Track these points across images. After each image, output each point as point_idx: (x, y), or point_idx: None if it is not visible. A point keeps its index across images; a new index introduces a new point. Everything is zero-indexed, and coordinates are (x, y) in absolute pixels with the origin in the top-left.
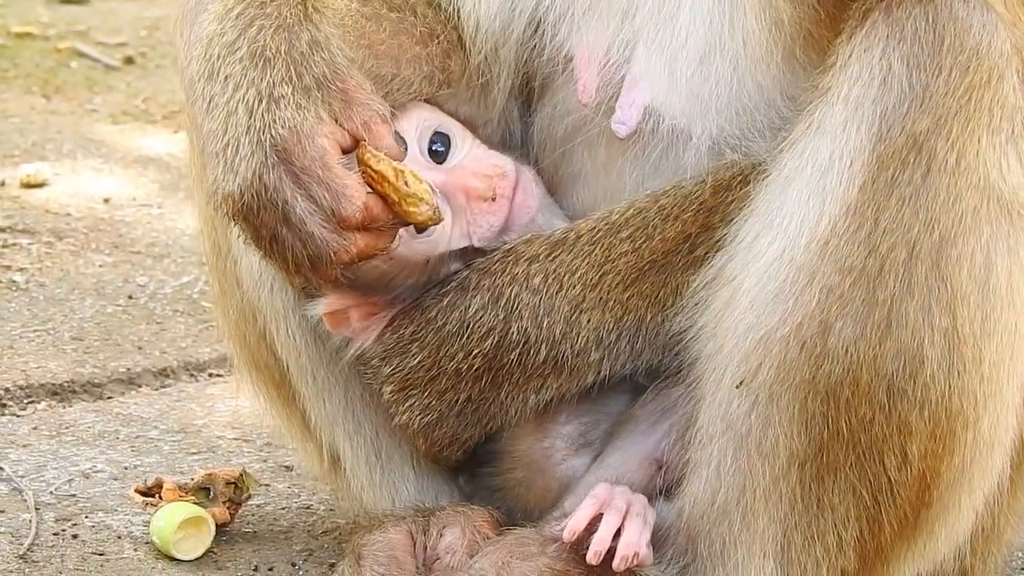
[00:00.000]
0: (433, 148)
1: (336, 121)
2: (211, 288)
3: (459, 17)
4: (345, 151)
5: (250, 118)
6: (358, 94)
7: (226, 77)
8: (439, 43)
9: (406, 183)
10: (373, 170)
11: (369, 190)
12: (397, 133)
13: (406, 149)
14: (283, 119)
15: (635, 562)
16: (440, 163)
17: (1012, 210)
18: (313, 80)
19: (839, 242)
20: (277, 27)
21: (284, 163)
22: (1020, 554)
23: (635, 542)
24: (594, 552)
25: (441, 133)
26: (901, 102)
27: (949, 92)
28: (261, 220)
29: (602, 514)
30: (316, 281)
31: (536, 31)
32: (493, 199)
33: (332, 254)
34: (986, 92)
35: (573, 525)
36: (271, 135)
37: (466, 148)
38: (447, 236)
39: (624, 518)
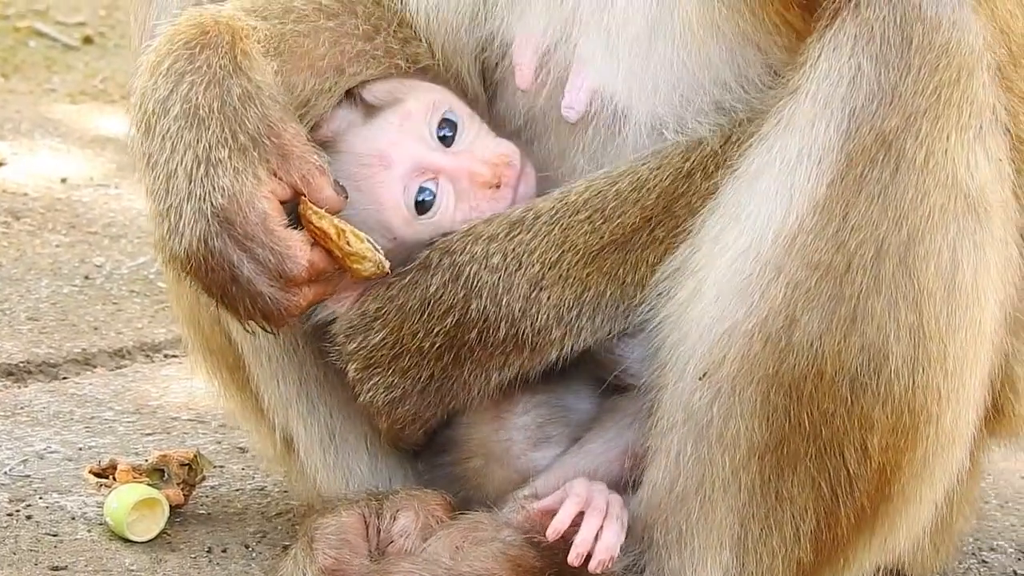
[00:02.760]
0: (441, 133)
1: (275, 175)
2: (165, 273)
3: (406, 9)
4: (286, 202)
5: (190, 183)
6: (294, 147)
7: (163, 137)
8: (391, 34)
9: (348, 243)
10: (315, 226)
11: (314, 243)
12: (336, 182)
13: (346, 197)
14: (222, 187)
15: (609, 565)
16: (448, 147)
17: (978, 207)
18: (248, 138)
19: (807, 238)
20: (208, 82)
21: (227, 230)
22: (971, 539)
23: (613, 545)
24: (576, 554)
25: (449, 120)
26: (870, 101)
27: (918, 91)
28: (210, 280)
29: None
30: (270, 328)
31: (479, 19)
32: (498, 186)
33: (282, 310)
34: (955, 90)
35: (558, 524)
36: (211, 203)
37: (473, 133)
38: (449, 219)
39: (603, 519)
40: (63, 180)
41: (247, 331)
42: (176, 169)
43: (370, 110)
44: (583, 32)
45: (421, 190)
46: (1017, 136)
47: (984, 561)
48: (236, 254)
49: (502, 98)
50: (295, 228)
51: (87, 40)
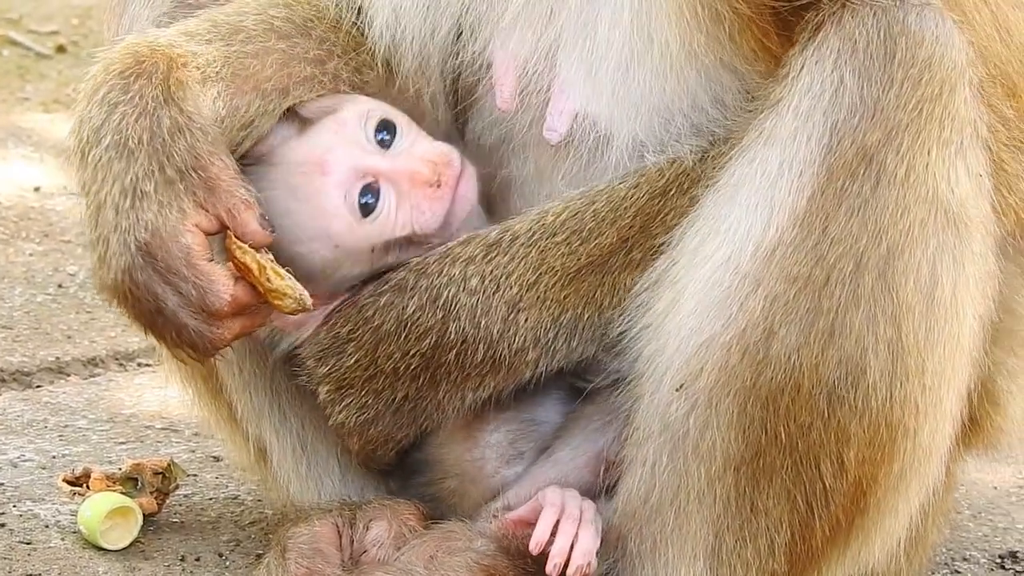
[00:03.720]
0: (379, 137)
1: (202, 207)
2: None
3: (366, 34)
4: (213, 234)
5: (116, 215)
6: (221, 180)
7: (95, 166)
8: (345, 62)
9: (268, 279)
10: (239, 261)
11: (238, 277)
12: (263, 216)
13: (272, 231)
14: (146, 221)
15: (588, 571)
16: (386, 150)
17: (959, 222)
18: (175, 171)
19: (786, 251)
20: (139, 113)
21: (150, 263)
22: (944, 549)
23: (590, 550)
24: (553, 564)
25: (387, 121)
26: (852, 114)
27: (900, 105)
28: (137, 310)
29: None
30: (197, 358)
31: (458, 40)
32: (438, 185)
33: (207, 342)
34: (937, 105)
35: (539, 536)
36: (135, 236)
37: (412, 137)
38: (391, 222)
39: (578, 526)
40: (36, 189)
41: (177, 359)
42: (105, 200)
43: (305, 124)
44: (566, 55)
45: (364, 191)
46: (997, 154)
47: (957, 571)
48: (160, 287)
49: (479, 119)
50: (221, 262)
51: (60, 49)
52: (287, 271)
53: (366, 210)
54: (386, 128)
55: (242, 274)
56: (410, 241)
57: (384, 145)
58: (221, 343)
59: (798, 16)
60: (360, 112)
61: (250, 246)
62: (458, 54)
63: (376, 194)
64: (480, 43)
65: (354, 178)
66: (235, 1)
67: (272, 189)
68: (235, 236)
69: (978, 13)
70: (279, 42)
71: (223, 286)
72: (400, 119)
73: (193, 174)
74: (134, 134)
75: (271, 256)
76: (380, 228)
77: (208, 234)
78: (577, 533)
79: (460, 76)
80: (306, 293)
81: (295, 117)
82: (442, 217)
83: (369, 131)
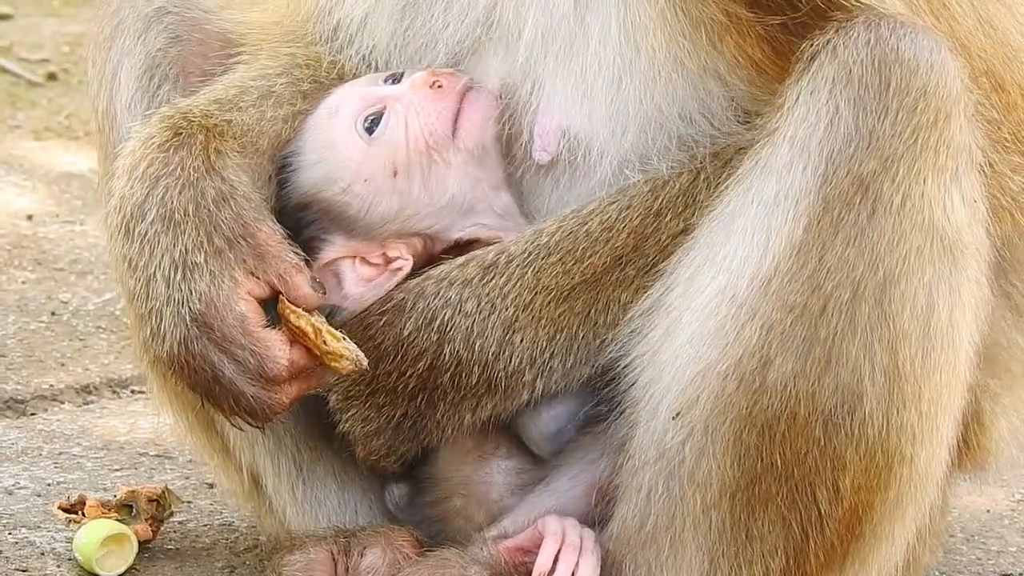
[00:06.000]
0: (388, 82)
1: (252, 274)
2: (129, 318)
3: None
4: (265, 301)
5: (168, 288)
6: (270, 247)
7: (141, 241)
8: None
9: (325, 341)
10: (294, 325)
11: (293, 340)
12: (314, 278)
13: (324, 293)
14: (199, 292)
15: None
16: (394, 85)
17: (955, 250)
18: (224, 240)
19: (783, 280)
20: (182, 185)
21: (206, 334)
22: (937, 572)
23: None
24: None
25: (397, 73)
26: (848, 144)
27: (896, 134)
28: (194, 381)
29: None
30: (256, 424)
31: (443, 61)
32: (440, 87)
33: (266, 408)
34: (932, 133)
35: (542, 565)
36: (189, 308)
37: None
38: (401, 135)
39: (579, 555)
40: (29, 217)
41: (234, 426)
42: (155, 273)
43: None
44: (554, 74)
45: (371, 118)
46: (985, 154)
47: None
48: (217, 356)
49: None
50: (274, 326)
51: (51, 77)
52: (342, 333)
53: (373, 125)
54: (395, 76)
55: (297, 338)
56: (428, 157)
57: (393, 84)
58: (279, 408)
59: (771, 27)
60: (374, 75)
61: (303, 309)
62: None
63: (381, 116)
64: (467, 69)
65: (361, 108)
66: (255, 62)
67: (305, 151)
68: (288, 300)
69: (959, 6)
70: (303, 103)
71: (280, 351)
72: (410, 71)
73: (242, 242)
74: (179, 206)
75: (324, 318)
76: (391, 144)
77: (260, 301)
78: (578, 562)
79: None
80: (361, 354)
81: None
82: (450, 119)
83: (379, 79)
